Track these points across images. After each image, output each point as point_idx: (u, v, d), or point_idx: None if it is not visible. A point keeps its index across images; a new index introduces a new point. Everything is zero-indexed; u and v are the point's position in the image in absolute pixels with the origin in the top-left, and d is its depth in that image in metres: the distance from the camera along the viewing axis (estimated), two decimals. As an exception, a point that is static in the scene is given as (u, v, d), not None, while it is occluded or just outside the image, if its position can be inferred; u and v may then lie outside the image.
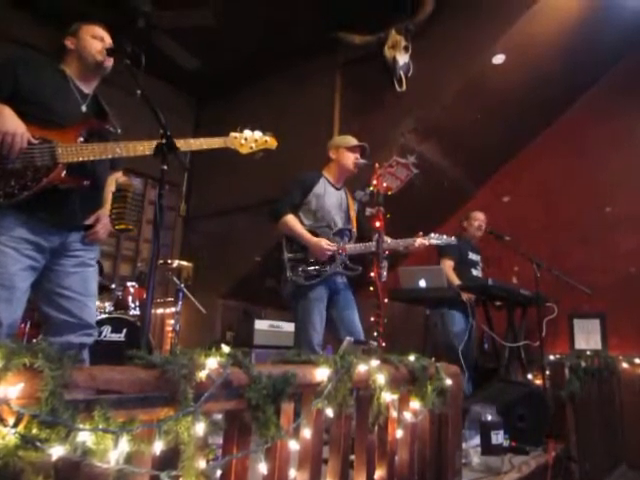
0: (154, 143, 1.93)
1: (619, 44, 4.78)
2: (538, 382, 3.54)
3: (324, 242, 2.91)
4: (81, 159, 1.94)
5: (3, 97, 1.88)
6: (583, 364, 3.33)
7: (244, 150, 2.23)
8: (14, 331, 1.93)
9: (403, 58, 4.58)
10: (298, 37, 5.20)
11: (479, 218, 4.45)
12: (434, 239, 3.03)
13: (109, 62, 2.15)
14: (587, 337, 4.60)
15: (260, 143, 2.25)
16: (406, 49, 4.57)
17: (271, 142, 2.29)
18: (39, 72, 2.06)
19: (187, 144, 2.07)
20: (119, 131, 2.19)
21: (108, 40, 2.18)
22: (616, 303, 4.59)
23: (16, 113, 1.85)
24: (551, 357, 3.96)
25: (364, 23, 4.83)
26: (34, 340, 2.96)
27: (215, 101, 6.35)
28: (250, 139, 2.23)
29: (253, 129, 2.25)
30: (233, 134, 2.21)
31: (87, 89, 2.18)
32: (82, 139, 2.00)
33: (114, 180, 2.36)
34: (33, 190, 1.88)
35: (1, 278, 1.84)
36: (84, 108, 2.12)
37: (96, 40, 2.14)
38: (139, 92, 1.89)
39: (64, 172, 1.93)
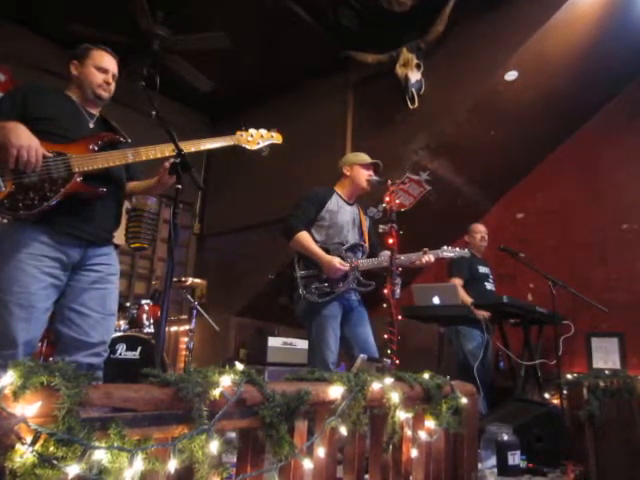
0: (166, 147, 1.99)
1: (634, 61, 4.77)
2: (555, 402, 3.47)
3: (337, 261, 2.87)
4: (95, 167, 1.97)
5: (14, 117, 1.91)
6: (602, 384, 3.25)
7: (252, 146, 2.29)
8: (32, 350, 1.91)
9: (415, 76, 4.62)
10: (311, 56, 5.28)
11: (480, 230, 4.42)
12: (447, 252, 2.97)
13: (107, 94, 2.17)
14: (605, 356, 4.52)
15: (266, 138, 2.32)
16: (418, 67, 4.61)
17: (277, 137, 2.36)
18: (47, 95, 2.12)
19: (196, 145, 2.11)
20: (129, 141, 2.21)
21: (113, 70, 2.18)
22: (635, 322, 4.50)
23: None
24: (568, 376, 3.88)
25: (376, 42, 4.89)
26: (50, 359, 2.97)
27: (229, 120, 6.42)
28: (256, 135, 2.30)
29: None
30: (239, 132, 2.27)
31: (93, 110, 2.22)
32: (96, 148, 2.04)
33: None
34: (52, 200, 1.90)
35: (20, 297, 1.84)
36: (91, 125, 2.16)
37: (99, 73, 2.14)
38: (154, 113, 1.92)
39: (80, 180, 1.96)
